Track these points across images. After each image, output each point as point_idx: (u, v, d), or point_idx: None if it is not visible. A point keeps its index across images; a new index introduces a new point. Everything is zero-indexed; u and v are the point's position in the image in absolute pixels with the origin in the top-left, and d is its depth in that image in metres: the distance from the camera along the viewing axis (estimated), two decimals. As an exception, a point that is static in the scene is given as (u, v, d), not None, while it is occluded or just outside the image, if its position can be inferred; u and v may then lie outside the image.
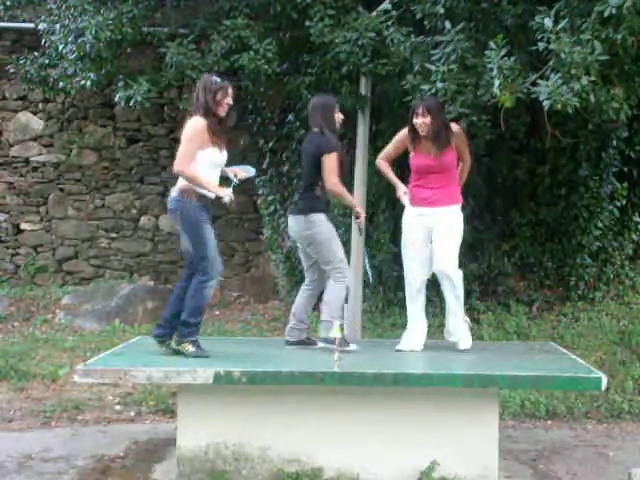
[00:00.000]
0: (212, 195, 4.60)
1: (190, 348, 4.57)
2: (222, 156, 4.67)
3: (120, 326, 8.18)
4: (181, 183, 4.62)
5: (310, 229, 4.84)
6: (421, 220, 4.94)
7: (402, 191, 5.05)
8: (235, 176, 4.83)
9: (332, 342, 4.58)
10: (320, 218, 4.84)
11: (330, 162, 4.77)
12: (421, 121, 4.85)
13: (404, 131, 5.02)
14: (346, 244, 7.31)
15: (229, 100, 4.66)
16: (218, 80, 4.65)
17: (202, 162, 4.55)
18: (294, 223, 4.94)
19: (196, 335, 4.63)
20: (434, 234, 4.92)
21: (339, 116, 4.96)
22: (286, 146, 8.64)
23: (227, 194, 4.59)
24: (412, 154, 5.00)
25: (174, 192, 4.65)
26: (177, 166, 4.55)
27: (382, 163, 5.19)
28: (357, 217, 5.14)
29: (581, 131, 7.54)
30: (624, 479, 4.34)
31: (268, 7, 7.00)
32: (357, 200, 6.95)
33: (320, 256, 4.87)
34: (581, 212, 8.05)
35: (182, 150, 4.55)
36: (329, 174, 4.78)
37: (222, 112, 4.66)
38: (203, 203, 4.58)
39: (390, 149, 5.16)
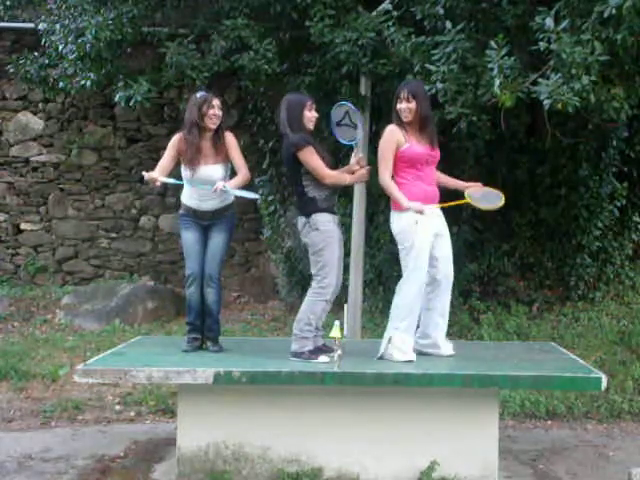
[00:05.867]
0: (194, 206, 4.80)
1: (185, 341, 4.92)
2: (203, 173, 4.72)
3: (120, 326, 8.18)
4: None
5: (307, 229, 4.51)
6: (429, 220, 4.55)
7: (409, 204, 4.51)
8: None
9: (299, 356, 4.46)
10: (322, 219, 4.47)
11: (307, 157, 4.40)
12: (405, 106, 4.51)
13: (392, 135, 4.54)
14: (346, 244, 7.33)
15: (215, 111, 4.74)
16: (202, 94, 4.79)
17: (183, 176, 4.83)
18: (298, 225, 4.64)
19: (188, 333, 4.92)
20: (438, 236, 4.63)
21: (312, 114, 4.53)
22: (286, 146, 8.63)
23: (148, 175, 4.74)
24: (407, 145, 4.53)
25: None
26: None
27: (389, 179, 4.58)
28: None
29: (581, 131, 7.54)
30: (624, 479, 4.34)
31: (268, 7, 7.00)
32: (357, 200, 6.97)
33: (310, 258, 4.56)
34: (581, 212, 8.04)
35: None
36: (316, 171, 4.41)
37: (211, 124, 4.75)
38: (183, 211, 4.89)
39: (389, 162, 4.56)
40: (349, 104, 4.77)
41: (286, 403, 4.37)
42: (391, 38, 6.18)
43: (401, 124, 4.59)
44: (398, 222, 4.57)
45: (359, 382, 4.23)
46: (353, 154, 4.69)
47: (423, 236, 4.53)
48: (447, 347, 4.75)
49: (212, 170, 4.75)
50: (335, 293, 4.55)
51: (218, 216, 4.82)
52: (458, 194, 4.79)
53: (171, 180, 4.80)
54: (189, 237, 4.82)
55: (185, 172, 4.78)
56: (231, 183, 4.76)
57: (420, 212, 4.49)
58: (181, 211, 4.91)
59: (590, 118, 6.47)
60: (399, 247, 4.60)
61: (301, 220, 4.58)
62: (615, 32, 4.90)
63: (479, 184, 4.84)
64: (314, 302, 4.49)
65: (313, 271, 4.54)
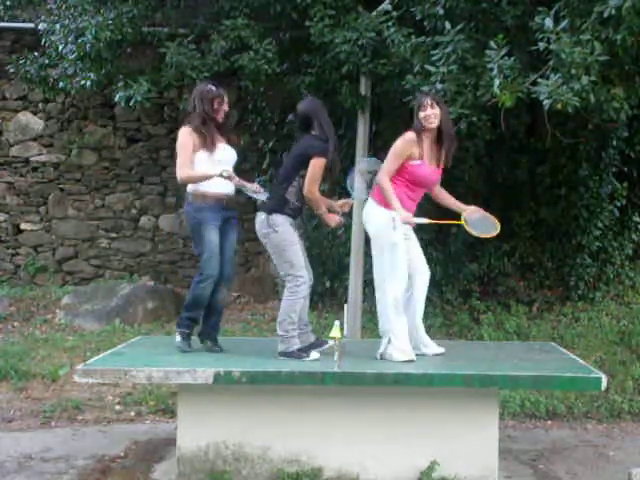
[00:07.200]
0: (222, 191, 4.70)
1: (177, 338, 4.78)
2: (221, 153, 4.76)
3: (120, 326, 8.18)
4: (188, 187, 4.80)
5: (266, 229, 4.54)
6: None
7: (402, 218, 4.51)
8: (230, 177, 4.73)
9: (288, 355, 4.47)
10: (280, 220, 4.51)
11: (315, 167, 4.46)
12: (431, 112, 4.47)
13: (409, 145, 4.51)
14: (346, 244, 7.34)
15: (226, 107, 4.84)
16: (214, 89, 4.79)
17: (200, 162, 4.69)
18: (256, 220, 4.64)
19: (188, 329, 4.81)
20: (407, 239, 4.62)
21: None
22: (286, 146, 8.63)
23: (220, 171, 4.61)
24: (418, 162, 4.52)
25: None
26: (178, 176, 4.72)
27: (387, 180, 4.56)
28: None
29: (581, 131, 7.54)
30: (624, 479, 4.34)
31: (268, 7, 7.00)
32: (357, 200, 6.96)
33: (275, 261, 4.63)
34: (581, 212, 8.05)
35: (178, 160, 4.71)
36: (309, 181, 4.47)
37: (220, 118, 4.82)
38: (209, 204, 4.69)
39: (394, 165, 4.55)
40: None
41: (286, 403, 4.37)
42: (391, 38, 6.19)
43: (420, 134, 4.53)
44: (378, 217, 4.56)
45: (359, 382, 4.23)
46: (346, 199, 4.80)
47: (400, 234, 4.53)
48: (433, 346, 4.75)
49: (228, 151, 4.83)
50: (310, 287, 4.61)
51: (233, 206, 4.85)
52: (455, 215, 4.79)
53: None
54: (214, 237, 4.67)
55: (203, 155, 4.68)
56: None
57: (408, 223, 4.53)
58: (205, 203, 4.68)
59: (590, 118, 6.47)
60: (375, 246, 4.58)
61: (260, 216, 4.59)
62: (615, 32, 4.91)
63: (478, 208, 4.79)
64: (293, 301, 4.52)
65: (282, 273, 4.60)
